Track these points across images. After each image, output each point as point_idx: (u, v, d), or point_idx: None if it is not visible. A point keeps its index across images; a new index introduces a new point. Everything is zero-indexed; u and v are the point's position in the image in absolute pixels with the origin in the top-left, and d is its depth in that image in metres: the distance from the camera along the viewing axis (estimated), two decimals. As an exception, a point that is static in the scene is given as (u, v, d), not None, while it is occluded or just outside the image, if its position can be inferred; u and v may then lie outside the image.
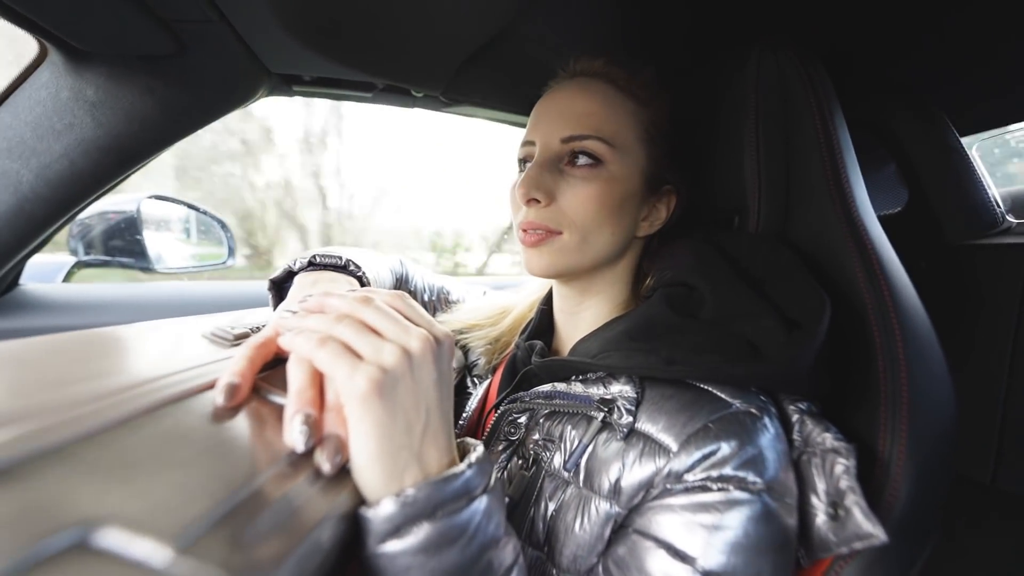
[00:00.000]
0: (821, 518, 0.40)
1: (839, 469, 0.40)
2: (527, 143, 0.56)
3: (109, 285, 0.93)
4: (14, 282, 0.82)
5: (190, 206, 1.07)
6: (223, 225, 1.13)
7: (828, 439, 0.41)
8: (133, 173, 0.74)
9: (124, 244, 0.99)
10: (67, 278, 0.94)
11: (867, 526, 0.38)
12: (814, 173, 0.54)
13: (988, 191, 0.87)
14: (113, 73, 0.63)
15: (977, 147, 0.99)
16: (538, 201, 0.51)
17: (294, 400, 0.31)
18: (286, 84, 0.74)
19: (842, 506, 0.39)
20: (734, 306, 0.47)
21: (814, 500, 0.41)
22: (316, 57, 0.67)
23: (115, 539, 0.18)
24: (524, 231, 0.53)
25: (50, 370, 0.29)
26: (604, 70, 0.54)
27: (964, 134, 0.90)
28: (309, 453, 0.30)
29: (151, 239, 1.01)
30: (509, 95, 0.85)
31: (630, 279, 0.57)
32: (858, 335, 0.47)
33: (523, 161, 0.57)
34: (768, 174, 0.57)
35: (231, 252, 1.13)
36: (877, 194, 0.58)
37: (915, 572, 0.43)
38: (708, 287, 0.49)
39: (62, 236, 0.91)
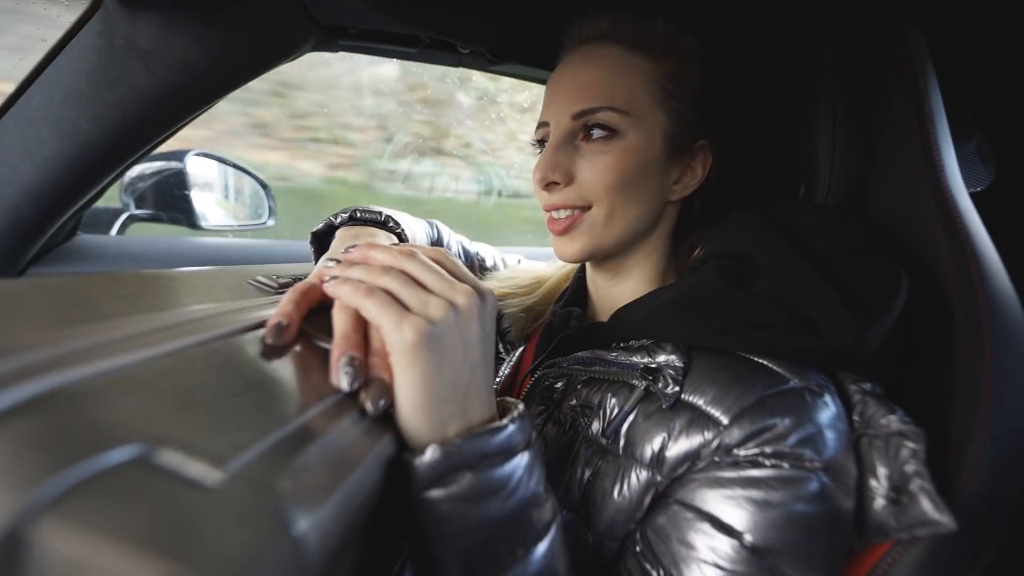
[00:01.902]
0: (880, 502, 0.39)
1: (905, 453, 0.38)
2: (542, 124, 0.53)
3: (159, 238, 0.97)
4: (72, 231, 0.85)
5: (234, 165, 1.08)
6: (264, 185, 1.14)
7: (893, 421, 0.39)
8: (184, 126, 0.74)
9: (172, 200, 1.01)
10: (121, 231, 0.98)
11: (933, 513, 0.36)
12: (901, 142, 0.49)
13: None
14: (165, 22, 0.63)
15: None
16: (557, 183, 0.49)
17: (340, 343, 0.31)
18: (332, 37, 0.72)
19: (906, 491, 0.37)
20: (793, 280, 0.44)
21: (873, 483, 0.39)
22: (363, 6, 0.64)
23: (171, 459, 0.19)
24: (552, 218, 0.51)
25: (107, 303, 0.30)
26: (610, 30, 0.50)
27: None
28: (354, 396, 0.30)
29: (197, 196, 1.04)
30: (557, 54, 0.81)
31: (668, 247, 0.54)
32: (938, 316, 0.44)
33: (541, 142, 0.55)
34: (845, 140, 0.52)
35: (271, 212, 1.15)
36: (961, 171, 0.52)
37: (980, 567, 0.41)
38: (765, 259, 0.46)
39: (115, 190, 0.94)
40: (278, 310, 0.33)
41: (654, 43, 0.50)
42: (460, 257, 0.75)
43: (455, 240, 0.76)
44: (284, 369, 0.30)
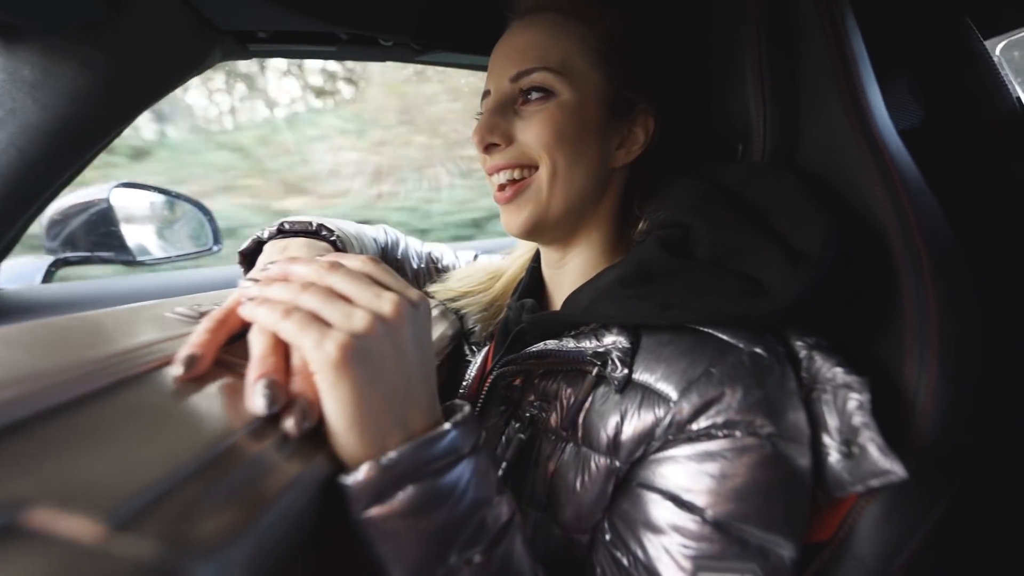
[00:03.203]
0: (834, 456, 0.39)
1: (852, 405, 0.38)
2: (485, 94, 0.53)
3: (88, 282, 0.90)
4: (-10, 287, 0.78)
5: (164, 192, 1.02)
6: (203, 209, 1.08)
7: (839, 374, 0.39)
8: (92, 159, 0.69)
9: (101, 238, 0.94)
10: (46, 279, 0.91)
11: (884, 463, 0.36)
12: (825, 84, 0.49)
13: (1017, 98, 0.81)
14: (48, 48, 0.58)
15: (1001, 50, 0.91)
16: (497, 144, 0.49)
17: (256, 366, 0.30)
18: (240, 44, 0.67)
19: (856, 443, 0.38)
20: (733, 242, 0.44)
21: (826, 439, 0.39)
22: (268, 7, 0.60)
23: (45, 519, 0.17)
24: (498, 186, 0.51)
25: (9, 354, 0.28)
26: (546, 0, 0.51)
27: (987, 37, 0.83)
28: (276, 420, 0.29)
29: (129, 230, 0.97)
30: (486, 38, 0.78)
31: (615, 221, 0.54)
32: (879, 259, 0.44)
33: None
34: (774, 92, 0.52)
35: (215, 236, 1.09)
36: (889, 112, 0.52)
37: (940, 510, 0.41)
38: (704, 224, 0.46)
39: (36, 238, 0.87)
40: (190, 341, 0.31)
41: (588, 9, 0.50)
42: (415, 260, 0.73)
43: (408, 243, 0.74)
44: (197, 403, 0.28)
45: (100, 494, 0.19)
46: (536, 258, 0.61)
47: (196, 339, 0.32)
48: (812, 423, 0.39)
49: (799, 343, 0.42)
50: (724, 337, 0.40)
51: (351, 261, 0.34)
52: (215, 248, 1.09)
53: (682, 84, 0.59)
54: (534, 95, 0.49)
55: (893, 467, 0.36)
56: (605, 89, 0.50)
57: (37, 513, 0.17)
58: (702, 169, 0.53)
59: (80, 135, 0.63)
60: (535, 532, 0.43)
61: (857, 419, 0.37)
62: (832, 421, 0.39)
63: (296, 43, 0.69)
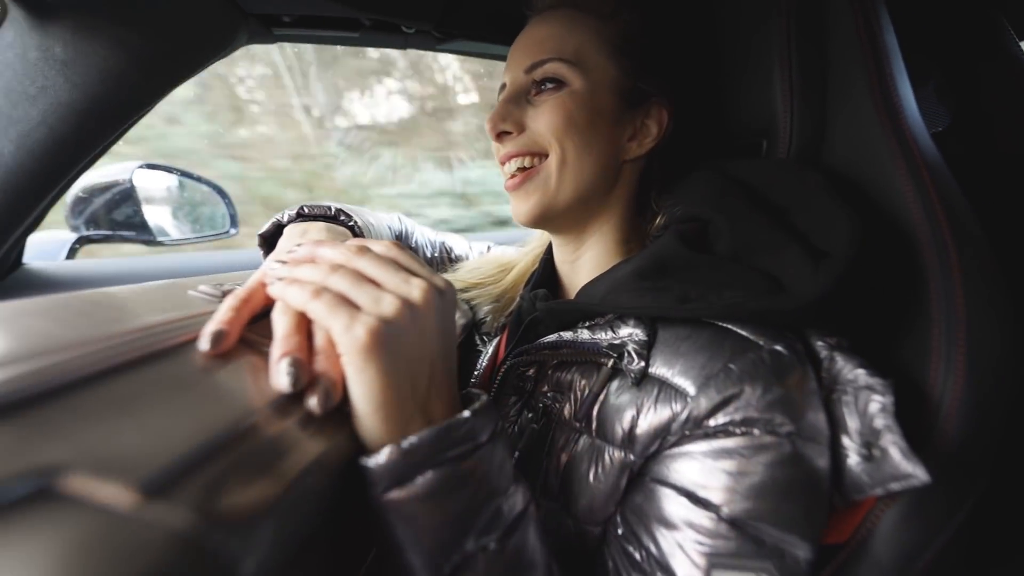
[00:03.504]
0: (854, 459, 0.38)
1: (874, 407, 0.37)
2: (502, 87, 0.54)
3: (111, 260, 0.92)
4: (16, 262, 0.80)
5: (186, 173, 1.03)
6: (221, 192, 1.09)
7: (861, 375, 0.39)
8: (119, 137, 0.70)
9: (123, 217, 0.96)
10: (70, 255, 0.93)
11: (906, 466, 0.35)
12: (856, 80, 0.48)
13: None
14: (80, 26, 0.58)
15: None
16: (509, 133, 0.50)
17: (279, 345, 0.30)
18: (266, 27, 0.68)
19: (877, 446, 0.37)
20: (754, 238, 0.44)
21: (846, 440, 0.38)
22: (294, -9, 0.60)
23: (80, 484, 0.17)
24: (510, 175, 0.52)
25: (28, 326, 0.28)
26: None
27: (1023, 37, 0.81)
28: (299, 398, 0.29)
29: (150, 210, 0.99)
30: (509, 26, 0.77)
31: (630, 214, 0.54)
32: (907, 258, 0.43)
33: None
34: (802, 88, 0.51)
35: (233, 220, 1.10)
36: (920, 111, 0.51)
37: (961, 516, 0.41)
38: (724, 219, 0.45)
39: (61, 213, 0.89)
40: (215, 317, 0.32)
41: (603, 4, 0.51)
42: (428, 249, 0.73)
43: (421, 232, 0.74)
44: (223, 378, 0.29)
45: (133, 463, 0.19)
46: (549, 250, 0.61)
47: (221, 316, 0.32)
48: (831, 424, 0.39)
49: (820, 343, 0.42)
50: (744, 333, 0.40)
51: (377, 246, 0.34)
52: (232, 231, 1.11)
53: (698, 78, 0.58)
54: (547, 85, 0.50)
55: (915, 471, 0.35)
56: (619, 80, 0.50)
57: (72, 479, 0.17)
58: (723, 165, 0.52)
59: (109, 114, 0.64)
60: (547, 522, 0.43)
61: (879, 421, 0.37)
62: (852, 423, 0.38)
63: (319, 28, 0.70)
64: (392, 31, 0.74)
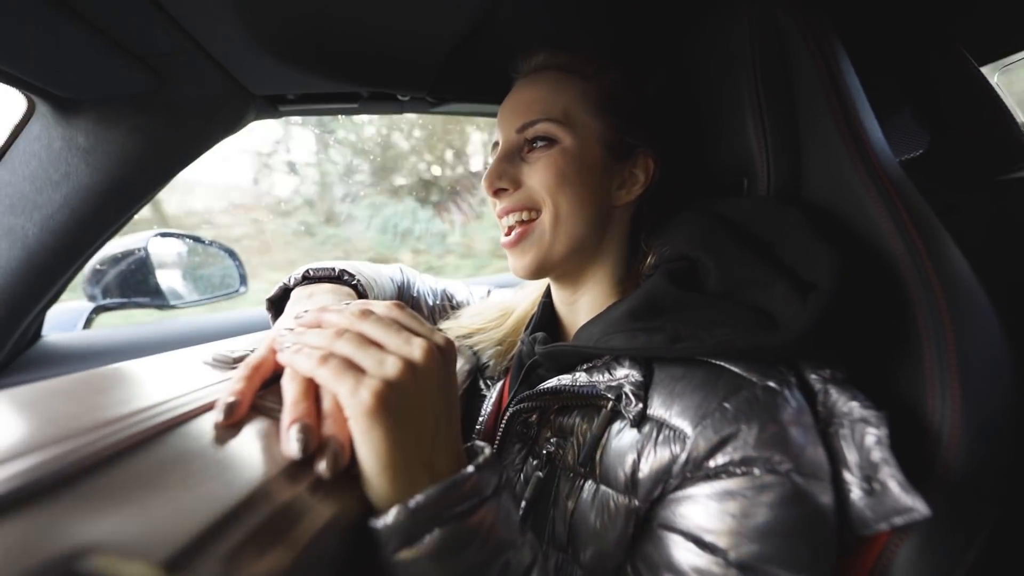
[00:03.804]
0: (856, 493, 0.38)
1: (870, 440, 0.37)
2: (494, 145, 0.58)
3: (125, 327, 0.95)
4: (36, 335, 0.83)
5: (196, 239, 1.07)
6: (232, 254, 1.13)
7: (855, 408, 0.39)
8: (135, 214, 0.74)
9: (138, 284, 1.00)
10: (87, 324, 0.96)
11: (905, 500, 0.35)
12: (823, 121, 0.51)
13: (1017, 121, 0.82)
14: (101, 117, 0.64)
15: (999, 77, 0.93)
16: (505, 189, 0.53)
17: (289, 412, 0.31)
18: (271, 105, 0.73)
19: (876, 479, 0.37)
20: (742, 275, 0.45)
21: (847, 475, 0.38)
22: (297, 73, 0.66)
23: (105, 564, 0.18)
24: (506, 230, 0.54)
25: (50, 409, 0.30)
26: (548, 60, 0.56)
27: (982, 63, 0.85)
28: (310, 463, 0.30)
29: (163, 276, 1.02)
30: (496, 87, 0.82)
31: (623, 256, 0.56)
32: (892, 288, 0.44)
33: None
34: (774, 130, 0.54)
35: (242, 279, 1.14)
36: (894, 140, 0.54)
37: (982, 543, 0.40)
38: (711, 258, 0.47)
39: (78, 283, 0.92)
40: (229, 388, 0.33)
41: (587, 66, 0.54)
42: (429, 297, 0.75)
43: (422, 281, 0.76)
44: (236, 448, 0.30)
45: (154, 541, 0.20)
46: (548, 293, 0.63)
47: (234, 386, 0.33)
48: (832, 459, 0.39)
49: (814, 376, 0.42)
50: (737, 371, 0.40)
51: (379, 307, 0.36)
52: (242, 290, 1.14)
53: (682, 125, 0.61)
54: (539, 143, 0.53)
55: (915, 504, 0.35)
56: (605, 135, 0.53)
57: (99, 560, 0.18)
58: (707, 204, 0.54)
59: (127, 194, 0.68)
60: (557, 574, 0.42)
61: (876, 455, 0.37)
62: (851, 456, 0.38)
63: (322, 103, 0.75)
64: (389, 100, 0.79)
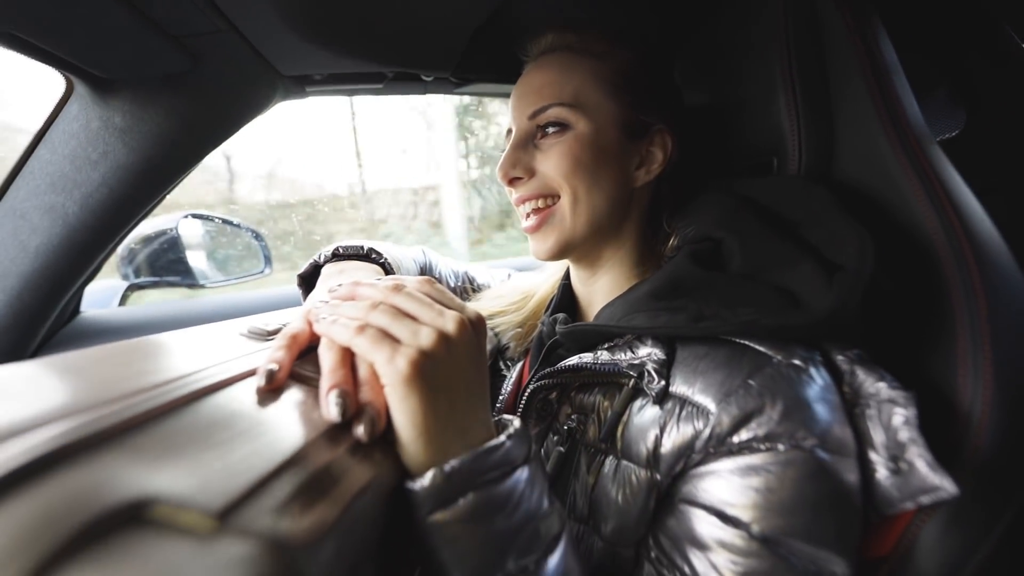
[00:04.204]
0: (882, 472, 0.38)
1: (897, 420, 0.37)
2: (508, 132, 0.57)
3: (160, 304, 0.98)
4: (75, 311, 0.87)
5: (225, 220, 1.10)
6: (257, 235, 1.16)
7: (883, 388, 0.38)
8: (168, 193, 0.76)
9: (169, 264, 1.03)
10: (122, 301, 0.99)
11: (933, 479, 0.35)
12: (858, 98, 0.50)
13: None
14: (137, 97, 0.65)
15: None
16: (520, 178, 0.53)
17: (328, 378, 0.32)
18: (299, 86, 0.74)
19: (903, 459, 0.37)
20: (767, 255, 0.44)
21: (873, 455, 0.38)
22: (324, 53, 0.66)
23: (163, 513, 0.19)
24: (525, 215, 0.54)
25: (97, 373, 0.31)
26: (556, 42, 0.54)
27: (1026, 40, 0.81)
28: (348, 427, 0.31)
29: (193, 256, 1.05)
30: (519, 67, 0.82)
31: (643, 237, 0.56)
32: (927, 270, 0.44)
33: None
34: (807, 108, 0.53)
35: (267, 261, 1.16)
36: (929, 120, 0.53)
37: (1006, 524, 0.40)
38: (735, 238, 0.47)
39: (113, 262, 0.96)
40: (268, 356, 0.34)
41: (598, 44, 0.53)
42: (451, 280, 0.76)
43: (443, 263, 0.77)
44: (276, 411, 0.31)
45: (207, 493, 0.21)
46: (567, 275, 0.63)
47: (273, 354, 0.34)
48: (858, 439, 0.38)
49: (840, 357, 0.41)
50: (762, 349, 0.40)
51: (412, 282, 0.37)
52: (266, 271, 1.17)
53: (704, 102, 0.60)
54: (551, 129, 0.51)
55: (943, 483, 0.35)
56: (619, 115, 0.52)
57: (158, 508, 0.19)
58: (732, 184, 0.54)
59: (162, 173, 0.70)
60: (578, 544, 0.43)
61: (903, 434, 0.37)
62: (878, 437, 0.38)
63: (347, 83, 0.75)
64: (413, 80, 0.79)
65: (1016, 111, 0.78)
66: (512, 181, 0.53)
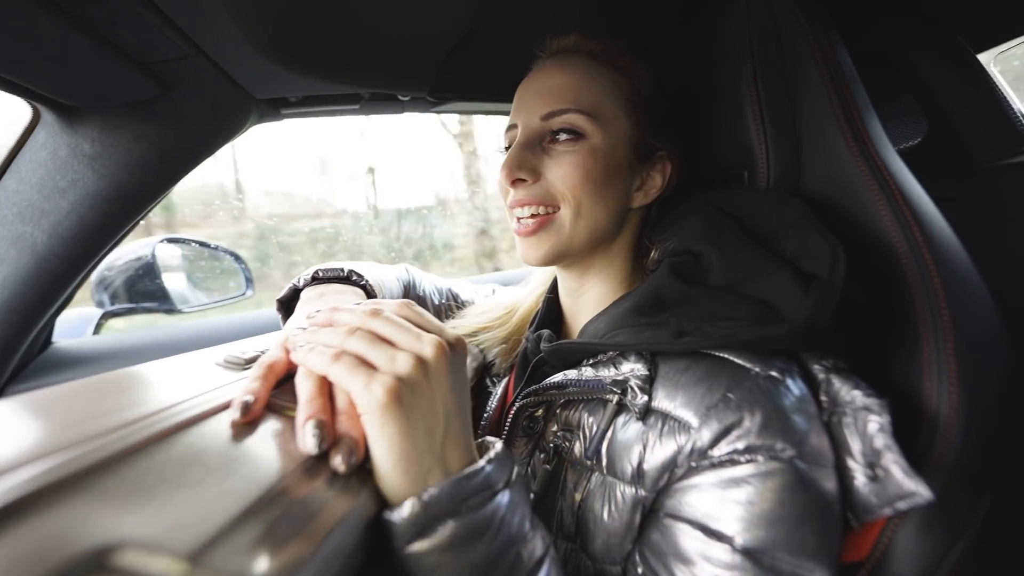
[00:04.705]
0: (860, 480, 0.38)
1: (872, 427, 0.38)
2: (510, 128, 0.55)
3: (134, 332, 0.96)
4: (47, 341, 0.84)
5: (202, 244, 1.08)
6: (237, 258, 1.14)
7: (858, 396, 0.39)
8: (141, 219, 0.75)
9: (146, 290, 1.01)
10: (97, 330, 0.97)
11: (909, 485, 0.36)
12: (821, 111, 0.52)
13: (1014, 107, 0.82)
14: (106, 124, 0.64)
15: (994, 62, 0.93)
16: (524, 180, 0.50)
17: (304, 408, 0.32)
18: (274, 108, 0.74)
19: (880, 466, 0.37)
20: (744, 267, 0.45)
21: (851, 463, 0.39)
22: (298, 76, 0.66)
23: (132, 559, 0.19)
24: (518, 218, 0.52)
25: (67, 412, 0.30)
26: (579, 44, 0.53)
27: (979, 51, 0.85)
28: (325, 459, 0.31)
29: (171, 281, 1.03)
30: (496, 84, 0.83)
31: (631, 254, 0.56)
32: (890, 276, 0.45)
33: (508, 148, 0.56)
34: (773, 121, 0.54)
35: (248, 283, 1.15)
36: (892, 130, 0.54)
37: (977, 522, 0.41)
38: (714, 251, 0.47)
39: (86, 290, 0.94)
40: (244, 387, 0.33)
41: (621, 57, 0.52)
42: (435, 297, 0.76)
43: (427, 281, 0.76)
44: (253, 444, 0.30)
45: (179, 534, 0.21)
46: (552, 289, 0.63)
47: (249, 386, 0.34)
48: (836, 447, 0.39)
49: (816, 366, 0.42)
50: (740, 362, 0.40)
51: (390, 306, 0.36)
52: (248, 293, 1.15)
53: (692, 124, 0.61)
54: (564, 135, 0.50)
55: (918, 488, 0.35)
56: (632, 134, 0.52)
57: (126, 554, 0.19)
58: (709, 197, 0.55)
59: (132, 200, 0.69)
60: (565, 563, 0.43)
61: (879, 441, 0.37)
62: (855, 444, 0.39)
63: (323, 104, 0.75)
64: (389, 100, 0.79)
65: (971, 120, 0.81)
66: (515, 182, 0.51)
